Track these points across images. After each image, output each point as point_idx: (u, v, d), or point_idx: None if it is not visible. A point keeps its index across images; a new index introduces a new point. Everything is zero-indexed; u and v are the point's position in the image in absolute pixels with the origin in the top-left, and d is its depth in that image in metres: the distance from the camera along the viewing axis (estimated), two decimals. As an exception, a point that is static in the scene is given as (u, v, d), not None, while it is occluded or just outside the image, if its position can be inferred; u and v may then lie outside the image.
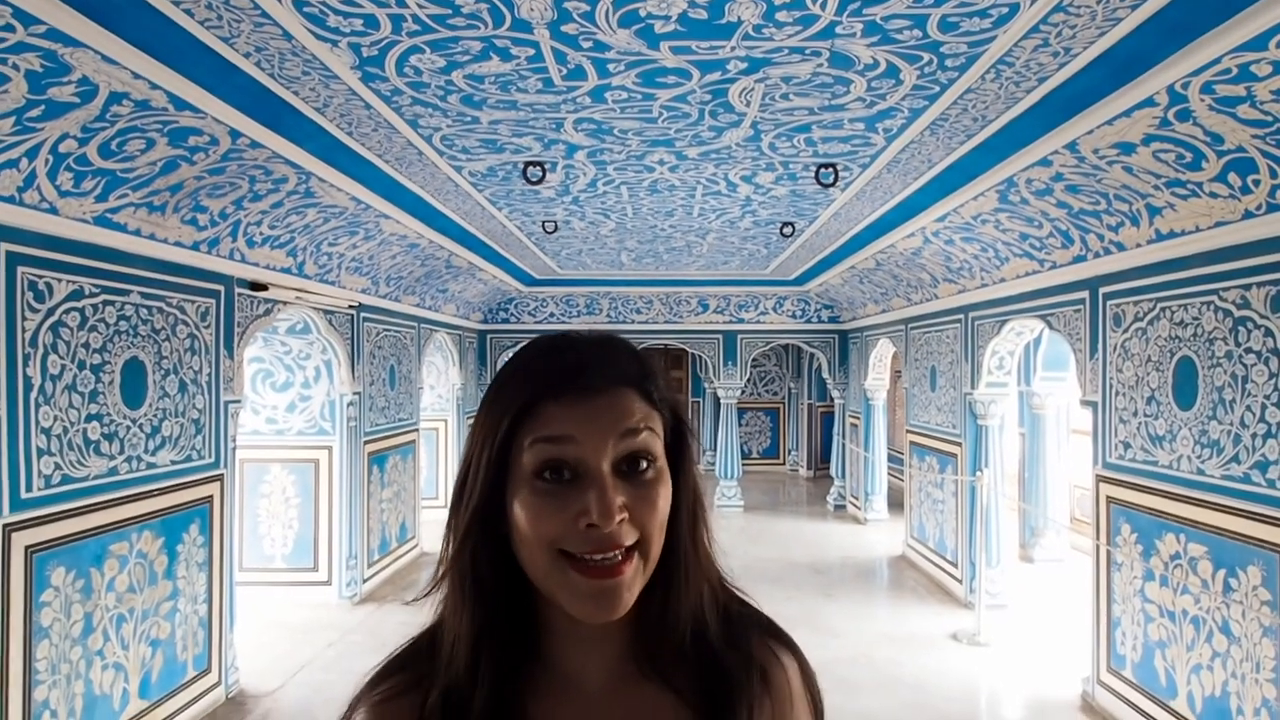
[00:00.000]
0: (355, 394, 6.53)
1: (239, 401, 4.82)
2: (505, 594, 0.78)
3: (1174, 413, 3.91)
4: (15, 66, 2.52)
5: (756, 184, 4.89)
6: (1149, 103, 2.97)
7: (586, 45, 2.80)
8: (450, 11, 2.53)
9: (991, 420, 6.43)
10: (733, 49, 2.83)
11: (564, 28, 2.65)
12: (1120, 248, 4.18)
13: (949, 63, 2.93)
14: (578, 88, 3.21)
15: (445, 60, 2.92)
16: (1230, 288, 3.51)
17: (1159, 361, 4.02)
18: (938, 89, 3.20)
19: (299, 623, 5.95)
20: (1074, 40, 2.67)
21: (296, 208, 4.55)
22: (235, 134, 3.45)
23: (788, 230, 6.32)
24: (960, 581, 6.62)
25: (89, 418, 3.55)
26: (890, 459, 10.89)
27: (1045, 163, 3.80)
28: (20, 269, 3.15)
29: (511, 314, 10.49)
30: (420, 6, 2.50)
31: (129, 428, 3.83)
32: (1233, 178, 3.18)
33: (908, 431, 8.17)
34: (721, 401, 10.79)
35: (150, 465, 3.99)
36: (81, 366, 3.50)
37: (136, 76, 2.79)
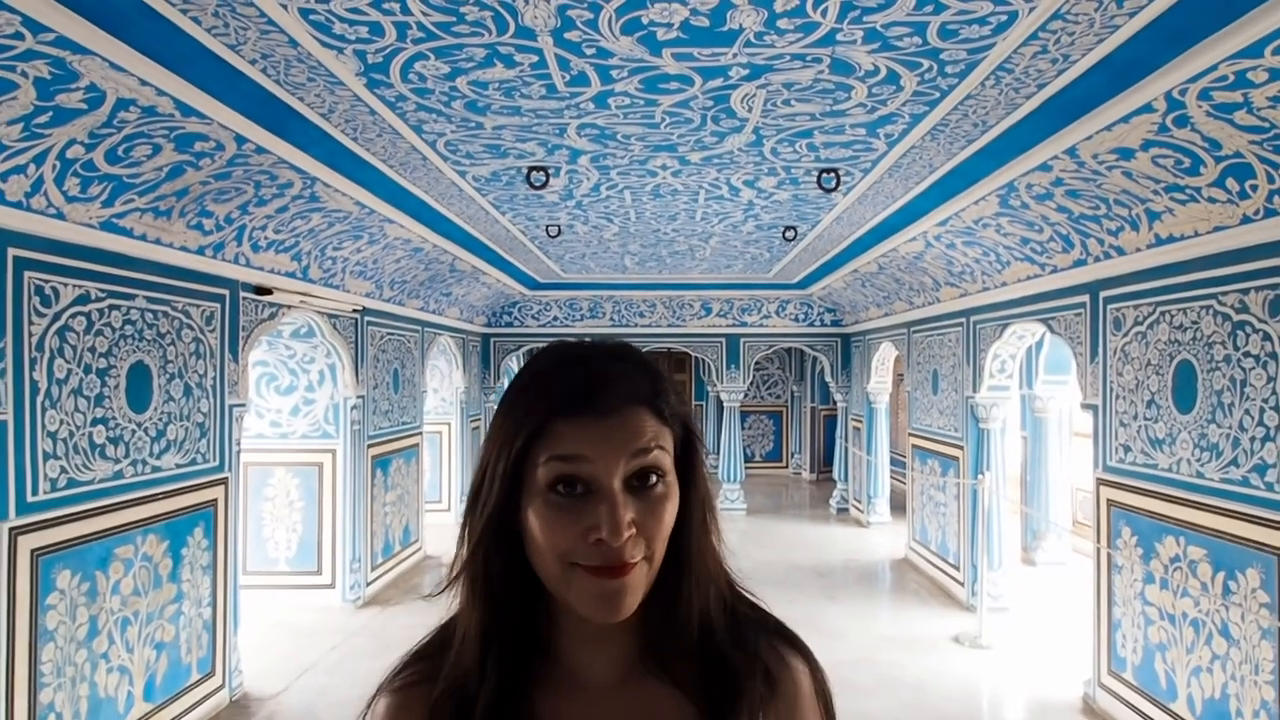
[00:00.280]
0: (359, 397, 6.56)
1: (243, 405, 4.85)
2: (516, 595, 0.80)
3: (1173, 416, 3.92)
4: (24, 74, 2.55)
5: (759, 188, 4.91)
6: (1147, 109, 2.99)
7: (589, 52, 2.82)
8: (455, 19, 2.56)
9: (993, 423, 6.44)
10: (734, 56, 2.85)
11: (567, 35, 2.68)
12: (1120, 252, 4.20)
13: (949, 69, 2.95)
14: (581, 94, 3.24)
15: (449, 67, 2.95)
16: (1229, 292, 3.52)
17: (1159, 365, 4.04)
18: (938, 95, 3.22)
19: (303, 626, 5.97)
20: (1072, 47, 2.69)
21: (301, 212, 4.58)
22: (241, 140, 3.48)
23: (790, 234, 6.34)
24: (962, 584, 6.63)
25: (95, 421, 3.58)
26: (893, 462, 10.91)
27: (1045, 168, 3.82)
28: (27, 273, 3.18)
29: (515, 317, 10.52)
30: (425, 14, 2.52)
31: (134, 431, 3.86)
32: (1230, 183, 3.20)
33: (910, 434, 8.18)
34: (724, 405, 10.80)
35: (155, 469, 4.02)
36: (87, 370, 3.53)
37: (144, 83, 2.82)
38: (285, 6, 2.47)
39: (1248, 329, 3.42)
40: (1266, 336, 3.31)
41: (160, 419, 4.06)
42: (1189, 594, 3.81)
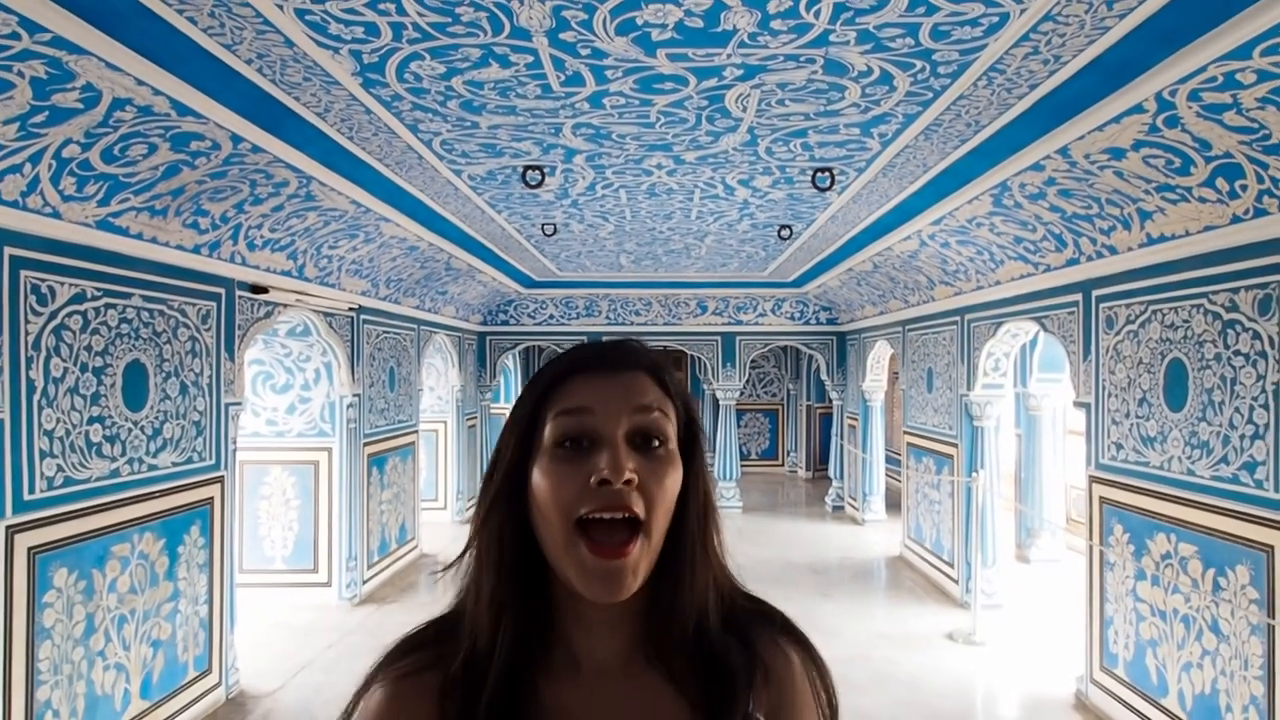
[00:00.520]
0: (355, 396, 6.57)
1: (239, 404, 4.86)
2: (524, 569, 0.82)
3: (1165, 414, 3.95)
4: (20, 73, 2.56)
5: (754, 187, 4.93)
6: (1138, 109, 3.01)
7: (584, 52, 2.84)
8: (450, 20, 2.57)
9: (987, 421, 6.47)
10: (728, 56, 2.87)
11: (562, 35, 2.69)
12: (1112, 251, 4.22)
13: (942, 70, 2.97)
14: (576, 93, 3.25)
15: (445, 67, 2.96)
16: (1219, 291, 3.55)
17: (1150, 363, 4.07)
18: (931, 95, 3.24)
19: (299, 624, 5.98)
20: (1064, 48, 2.72)
21: (297, 211, 4.58)
22: (237, 139, 3.48)
23: (785, 233, 6.36)
24: (956, 581, 6.66)
25: (91, 420, 3.59)
26: (888, 460, 10.95)
27: (1038, 167, 3.84)
28: (23, 272, 3.19)
29: (511, 316, 10.53)
30: (420, 15, 2.54)
31: (131, 430, 3.87)
32: (1220, 183, 3.23)
33: (905, 433, 8.21)
34: (720, 403, 10.82)
35: (152, 467, 4.03)
36: (84, 369, 3.53)
37: (140, 83, 2.82)
38: (281, 6, 2.48)
39: (1237, 327, 3.44)
40: (1256, 335, 3.33)
41: (156, 417, 4.06)
42: (1180, 590, 3.84)
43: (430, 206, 5.30)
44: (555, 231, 6.38)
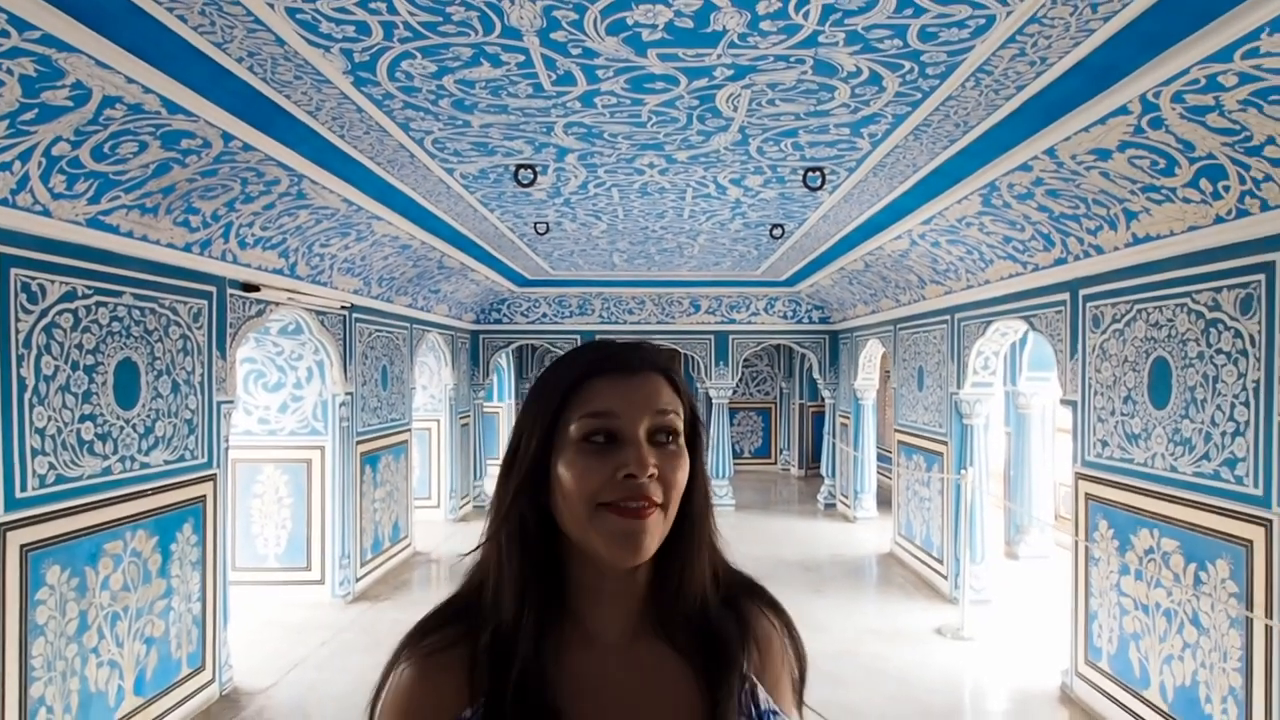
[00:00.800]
0: (347, 394, 6.57)
1: (231, 402, 4.86)
2: (544, 552, 0.90)
3: (1149, 412, 4.00)
4: (9, 71, 2.56)
5: (745, 187, 4.96)
6: (1123, 111, 3.05)
7: (575, 52, 2.86)
8: (441, 19, 2.59)
9: (977, 419, 6.52)
10: (719, 56, 2.89)
11: (553, 35, 2.71)
12: (1099, 251, 4.27)
13: (930, 71, 3.00)
14: (567, 93, 3.27)
15: (436, 66, 2.98)
16: (1203, 290, 3.60)
17: (1135, 362, 4.11)
18: (920, 96, 3.27)
19: (292, 622, 5.99)
20: (1049, 50, 2.75)
21: (288, 209, 4.59)
22: (228, 137, 3.49)
23: (777, 232, 6.39)
24: (946, 578, 6.71)
25: (83, 418, 3.59)
26: (880, 458, 11.00)
27: (1026, 168, 3.88)
28: (13, 270, 3.19)
29: (504, 314, 10.53)
30: (411, 14, 2.55)
31: (122, 428, 3.87)
32: (1204, 184, 3.27)
33: (896, 430, 8.26)
34: (713, 401, 10.85)
35: (144, 465, 4.03)
36: (75, 367, 3.54)
37: (130, 81, 2.83)
38: (272, 5, 2.49)
39: (1220, 326, 3.49)
40: (1238, 334, 3.38)
41: (148, 416, 4.07)
42: (1162, 585, 3.89)
43: (422, 205, 5.31)
44: (548, 230, 6.40)
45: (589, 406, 0.87)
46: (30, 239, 3.25)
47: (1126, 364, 4.20)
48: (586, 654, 0.91)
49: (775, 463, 14.83)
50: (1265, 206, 3.12)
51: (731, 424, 13.38)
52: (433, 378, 9.77)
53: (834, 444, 10.85)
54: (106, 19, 2.51)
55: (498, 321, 10.57)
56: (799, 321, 10.60)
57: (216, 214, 4.21)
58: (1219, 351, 3.49)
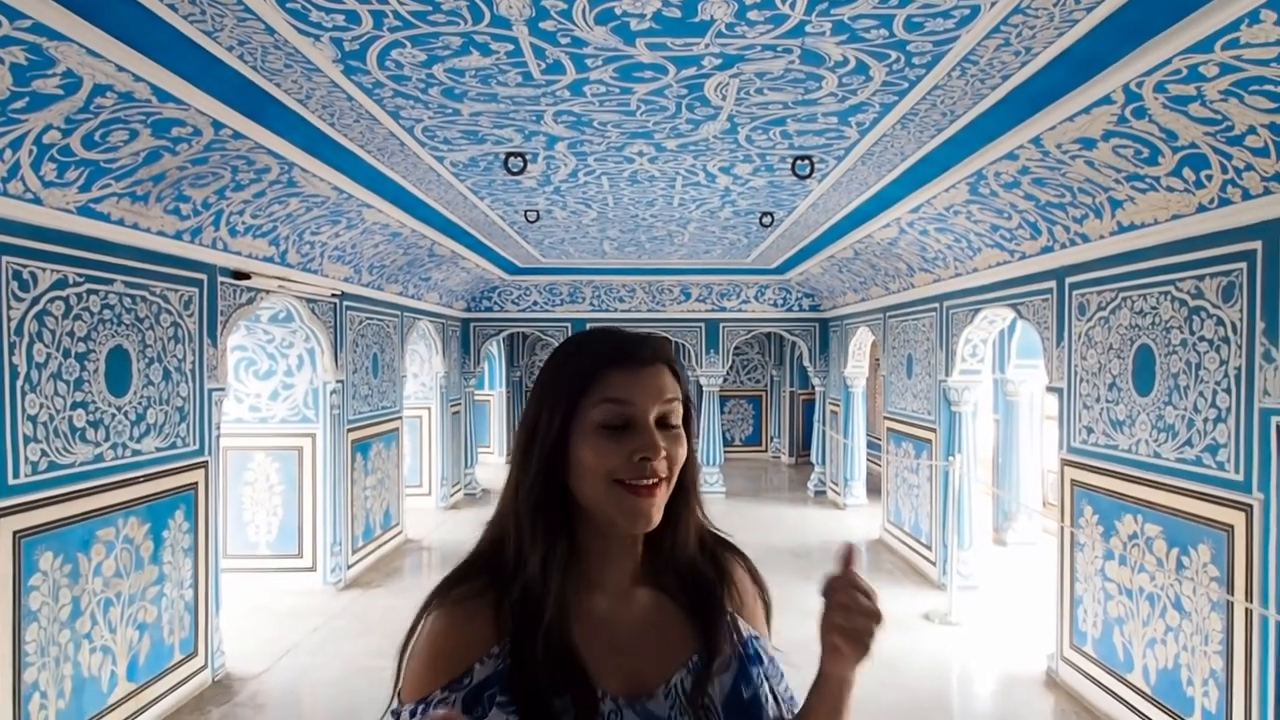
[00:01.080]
0: (338, 382, 6.58)
1: (222, 389, 4.87)
2: (561, 515, 1.03)
3: (1133, 398, 4.05)
4: (0, 60, 2.56)
5: (735, 175, 4.98)
6: (1107, 100, 3.08)
7: (564, 41, 2.87)
8: (430, 8, 2.60)
9: (965, 407, 6.58)
10: (707, 46, 2.91)
11: (542, 24, 2.72)
12: (1085, 239, 4.31)
13: (916, 60, 3.02)
14: (557, 81, 3.29)
15: (426, 54, 2.99)
16: (1186, 278, 3.64)
17: (1120, 349, 4.16)
18: (907, 85, 3.29)
19: (284, 608, 6.02)
20: (1034, 40, 2.78)
21: (279, 197, 4.59)
22: (218, 125, 3.49)
23: (767, 220, 6.42)
24: (933, 564, 6.79)
25: (75, 405, 3.60)
26: (870, 445, 11.06)
27: (1012, 156, 3.91)
28: (5, 258, 3.19)
29: (495, 302, 10.54)
30: (401, 3, 2.56)
31: (114, 415, 3.88)
32: (1187, 173, 3.31)
33: (885, 418, 8.32)
34: (704, 389, 10.89)
35: (135, 452, 4.05)
36: (67, 355, 3.55)
37: (120, 69, 2.83)
38: (262, -6, 2.50)
39: (1203, 314, 3.54)
40: (1220, 321, 3.43)
41: (140, 403, 4.08)
42: (1145, 569, 3.96)
43: (413, 193, 5.31)
44: (538, 218, 6.41)
45: (607, 394, 0.99)
46: (21, 227, 3.25)
47: (1111, 351, 4.25)
48: (594, 600, 1.05)
49: (766, 450, 14.91)
50: (1247, 195, 3.16)
51: (722, 412, 13.44)
52: (424, 365, 9.78)
53: (824, 431, 10.91)
54: (97, 7, 2.51)
55: (489, 309, 10.57)
56: (789, 309, 10.64)
57: (207, 202, 4.21)
58: (1201, 339, 3.55)
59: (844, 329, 9.84)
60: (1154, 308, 3.89)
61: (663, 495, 1.02)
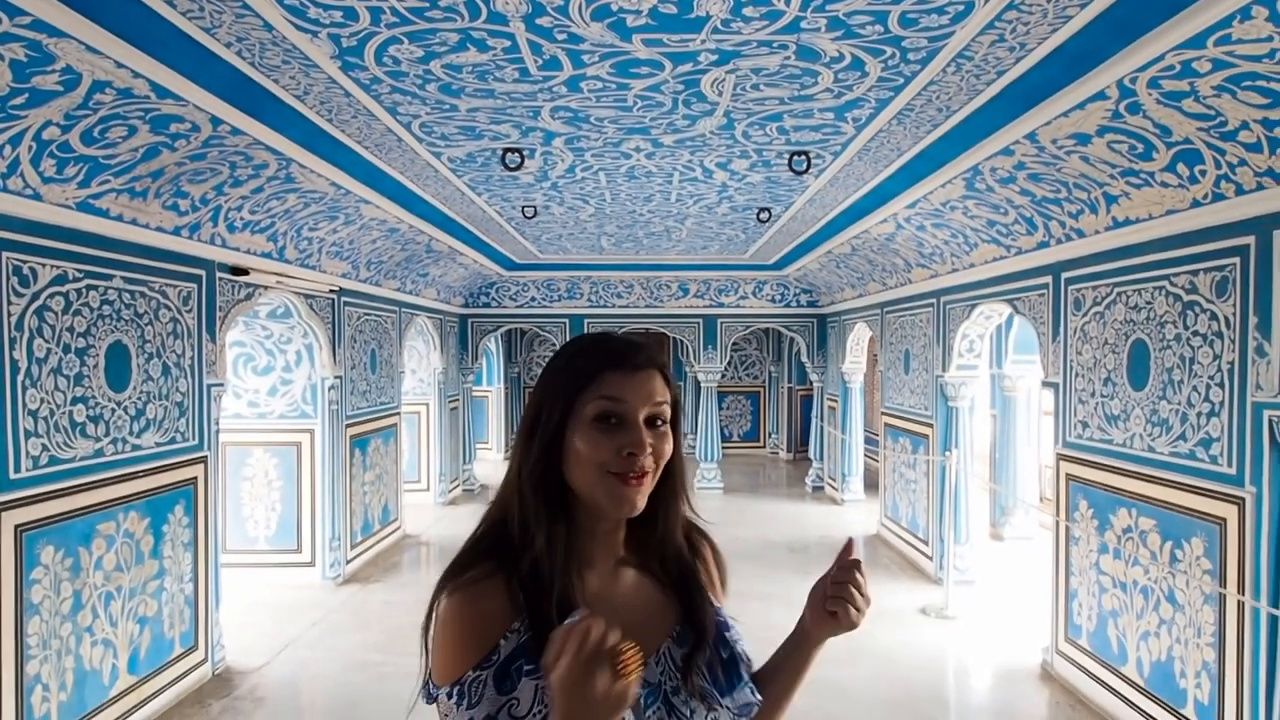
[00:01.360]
0: (336, 378, 6.60)
1: (221, 385, 4.89)
2: (559, 497, 1.13)
3: (1128, 393, 4.08)
4: (0, 56, 2.57)
5: (732, 170, 4.99)
6: (1101, 96, 3.10)
7: (561, 37, 2.88)
8: (428, 4, 2.61)
9: (961, 402, 6.61)
10: (703, 42, 2.92)
11: (539, 20, 2.74)
12: (1080, 234, 4.33)
13: (911, 56, 3.04)
14: (554, 77, 3.30)
15: (423, 50, 3.00)
16: (1180, 273, 3.67)
17: (1115, 344, 4.19)
18: (902, 81, 3.31)
19: (283, 603, 6.04)
20: (1028, 36, 2.79)
21: (277, 193, 4.60)
22: (216, 121, 3.50)
23: (764, 215, 6.43)
24: (930, 558, 6.82)
25: (75, 400, 3.62)
26: (867, 441, 11.11)
27: (1008, 152, 3.93)
28: (5, 254, 3.21)
29: (493, 298, 10.55)
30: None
31: (114, 410, 3.90)
32: (1181, 168, 3.33)
33: (882, 413, 8.35)
34: (702, 385, 10.91)
35: (135, 447, 4.07)
36: (66, 350, 3.56)
37: (119, 66, 2.84)
38: (260, -9, 2.51)
39: (1196, 309, 3.56)
40: (1214, 316, 3.45)
41: (139, 398, 4.10)
42: (1139, 563, 3.98)
43: (410, 189, 5.32)
44: (535, 214, 6.42)
45: (603, 392, 1.10)
46: (21, 223, 3.27)
47: (1106, 346, 4.27)
48: (588, 578, 1.15)
49: (764, 446, 14.94)
50: (1240, 190, 3.18)
51: (720, 408, 13.48)
52: (421, 361, 9.79)
53: (822, 427, 10.94)
54: (97, 4, 2.52)
55: (486, 305, 10.59)
56: (787, 305, 10.66)
57: (205, 198, 4.22)
58: (1195, 333, 3.57)
59: (842, 325, 9.86)
60: (1148, 302, 3.91)
61: (648, 485, 1.12)
